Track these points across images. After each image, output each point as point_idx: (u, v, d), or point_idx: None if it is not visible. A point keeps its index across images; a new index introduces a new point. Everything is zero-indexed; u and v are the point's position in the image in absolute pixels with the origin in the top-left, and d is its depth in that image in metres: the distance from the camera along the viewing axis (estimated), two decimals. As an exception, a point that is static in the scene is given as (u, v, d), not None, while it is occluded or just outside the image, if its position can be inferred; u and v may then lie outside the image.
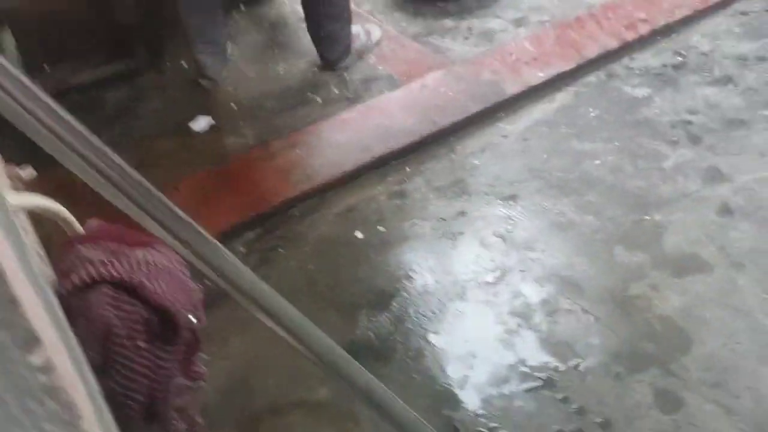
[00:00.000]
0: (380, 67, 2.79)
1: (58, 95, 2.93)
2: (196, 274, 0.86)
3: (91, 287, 0.96)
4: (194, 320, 1.05)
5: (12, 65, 2.33)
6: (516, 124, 2.50)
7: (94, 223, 1.06)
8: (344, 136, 2.45)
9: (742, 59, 2.65)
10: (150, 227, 0.70)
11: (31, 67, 2.64)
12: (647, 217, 2.07)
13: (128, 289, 0.97)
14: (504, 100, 2.55)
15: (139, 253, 0.98)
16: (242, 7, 3.26)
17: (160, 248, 1.02)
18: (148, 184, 0.69)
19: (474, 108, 2.53)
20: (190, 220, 0.72)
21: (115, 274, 0.96)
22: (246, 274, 0.80)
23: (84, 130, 0.67)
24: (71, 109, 2.55)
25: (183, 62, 2.85)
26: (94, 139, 0.68)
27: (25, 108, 0.62)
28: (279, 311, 0.87)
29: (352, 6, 3.17)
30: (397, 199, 2.26)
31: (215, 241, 0.76)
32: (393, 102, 2.58)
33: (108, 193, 0.67)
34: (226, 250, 0.79)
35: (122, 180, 0.66)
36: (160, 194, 0.71)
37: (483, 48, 2.85)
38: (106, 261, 0.96)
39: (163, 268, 0.98)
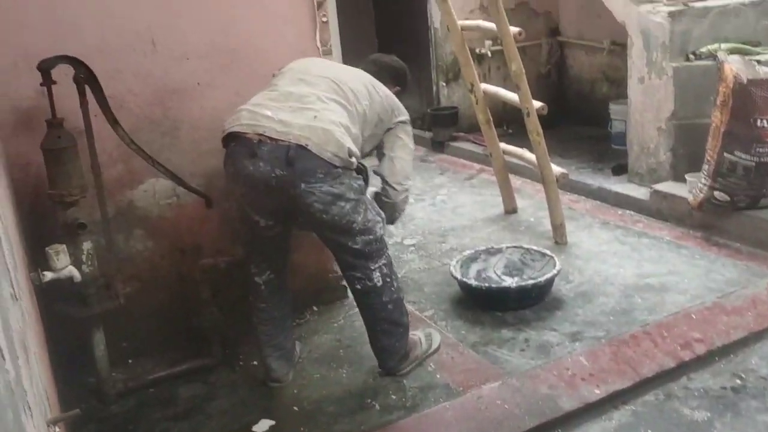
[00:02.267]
0: (438, 375, 2.88)
1: (135, 390, 3.11)
2: None
3: None
4: None
5: (101, 364, 2.56)
6: (573, 442, 2.47)
7: None
8: (400, 447, 2.48)
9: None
10: None
11: (117, 362, 2.89)
12: None
13: None
14: (561, 416, 2.56)
15: None
16: (315, 308, 3.52)
17: None
18: None
19: (530, 423, 2.53)
20: None
21: None
22: None
23: None
24: (146, 404, 2.84)
25: (255, 361, 3.04)
26: None
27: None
28: None
29: (415, 311, 3.39)
30: None
31: None
32: (449, 413, 2.62)
33: None
34: None
35: None
36: None
37: (539, 361, 2.93)
38: None
39: None
